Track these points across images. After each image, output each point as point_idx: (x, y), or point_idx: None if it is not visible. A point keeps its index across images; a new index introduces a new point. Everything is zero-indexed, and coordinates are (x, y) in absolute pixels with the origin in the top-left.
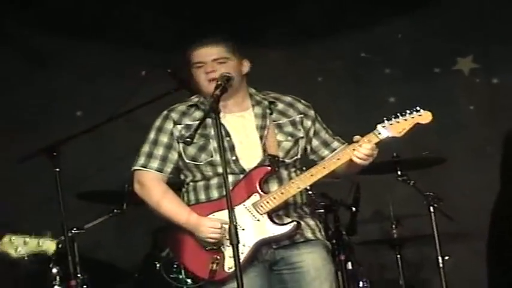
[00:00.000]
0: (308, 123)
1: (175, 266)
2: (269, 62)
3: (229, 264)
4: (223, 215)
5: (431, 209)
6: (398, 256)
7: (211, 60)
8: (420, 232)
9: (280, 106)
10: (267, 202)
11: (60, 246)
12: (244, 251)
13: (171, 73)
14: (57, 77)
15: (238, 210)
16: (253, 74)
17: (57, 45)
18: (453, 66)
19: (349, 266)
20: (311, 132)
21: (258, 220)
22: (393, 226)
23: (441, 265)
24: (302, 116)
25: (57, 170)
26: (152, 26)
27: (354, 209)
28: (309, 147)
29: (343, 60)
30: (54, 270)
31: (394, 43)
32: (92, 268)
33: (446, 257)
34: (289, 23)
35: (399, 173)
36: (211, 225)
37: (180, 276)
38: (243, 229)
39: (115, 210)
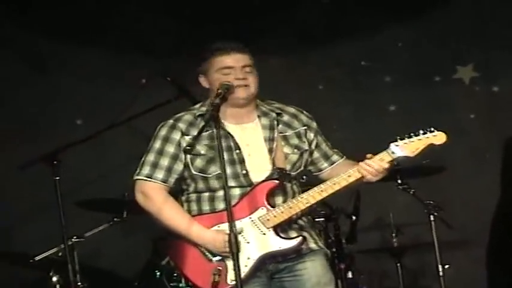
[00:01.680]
0: (311, 135)
1: (175, 274)
2: (269, 69)
3: (231, 276)
4: (228, 227)
5: (432, 217)
6: (399, 264)
7: (241, 66)
8: (420, 240)
9: (285, 117)
10: (274, 216)
11: (60, 254)
12: (248, 264)
13: (171, 81)
14: (57, 83)
15: (244, 223)
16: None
17: (58, 49)
18: (453, 75)
19: (350, 274)
20: (313, 145)
21: (264, 234)
22: (393, 234)
23: (441, 273)
24: (306, 128)
25: (57, 178)
26: (153, 30)
27: (354, 217)
28: (309, 159)
29: (343, 68)
30: (55, 279)
31: (394, 51)
32: (92, 276)
33: (447, 266)
34: (289, 31)
35: (399, 181)
36: (228, 238)
37: (181, 285)
38: (248, 242)
39: (115, 219)
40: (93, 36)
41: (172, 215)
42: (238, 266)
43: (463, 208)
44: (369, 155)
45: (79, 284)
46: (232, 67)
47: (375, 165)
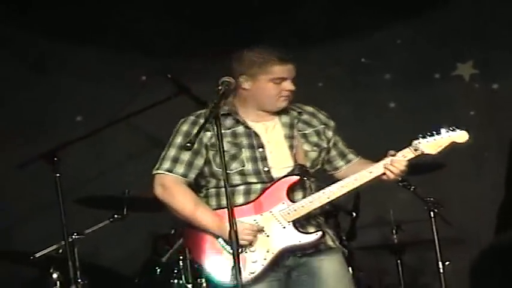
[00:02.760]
0: (329, 133)
1: (175, 271)
2: None
3: (250, 269)
4: (248, 221)
5: (432, 214)
6: (399, 261)
7: (292, 78)
8: (420, 237)
9: (304, 116)
10: (295, 210)
11: (60, 251)
12: (267, 257)
13: (171, 78)
14: (57, 82)
15: (265, 216)
16: None
17: (57, 49)
18: (453, 72)
19: (350, 271)
20: (331, 143)
21: (284, 227)
22: (393, 231)
23: (441, 270)
24: (324, 126)
25: (58, 175)
26: (153, 30)
27: (354, 214)
28: (326, 157)
29: (343, 66)
30: (55, 276)
31: (394, 48)
32: (92, 273)
33: (447, 263)
34: (288, 28)
35: (399, 178)
36: (245, 227)
37: (181, 282)
38: (268, 235)
39: (115, 216)
40: (93, 36)
41: (192, 206)
42: (239, 262)
43: (462, 205)
44: (392, 152)
45: (79, 280)
46: (284, 78)
47: (398, 164)
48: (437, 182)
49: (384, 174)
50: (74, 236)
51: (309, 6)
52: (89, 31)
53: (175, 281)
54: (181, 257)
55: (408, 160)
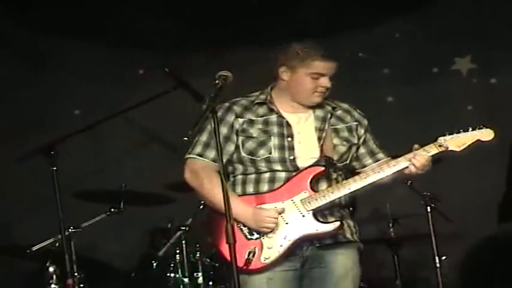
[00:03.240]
0: (361, 131)
1: (172, 265)
2: (267, 62)
3: (265, 255)
4: (269, 208)
5: (429, 208)
6: (396, 256)
7: (329, 75)
8: (417, 232)
9: (338, 112)
10: (316, 200)
11: (57, 245)
12: (284, 244)
13: (169, 72)
14: (56, 77)
15: (286, 204)
16: (252, 75)
17: (56, 45)
18: (451, 66)
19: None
20: (361, 140)
21: (303, 216)
22: (390, 225)
23: (438, 265)
24: (357, 123)
25: (55, 168)
26: (153, 30)
27: (351, 208)
28: (355, 154)
29: (341, 61)
30: (51, 269)
31: (392, 43)
32: (88, 267)
33: (443, 257)
34: (287, 24)
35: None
36: (268, 214)
37: (177, 276)
38: (287, 223)
39: (112, 209)
40: (92, 36)
41: (216, 190)
42: (235, 258)
43: (460, 200)
44: (416, 146)
45: (76, 274)
46: (324, 75)
47: (421, 158)
48: (436, 176)
49: (407, 167)
50: (70, 230)
51: (308, 5)
52: (88, 27)
53: (172, 275)
54: (178, 251)
55: (432, 155)
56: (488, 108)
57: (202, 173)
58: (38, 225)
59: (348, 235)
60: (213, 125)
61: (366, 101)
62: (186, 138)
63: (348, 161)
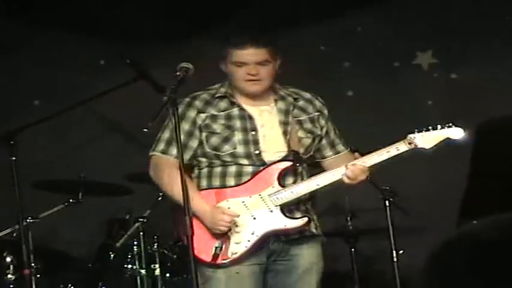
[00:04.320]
0: (322, 122)
1: (129, 256)
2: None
3: (233, 249)
4: (236, 202)
5: (387, 203)
6: (353, 249)
7: (254, 62)
8: (375, 225)
9: (301, 102)
10: (283, 195)
11: (14, 235)
12: (251, 239)
13: (130, 63)
14: (16, 65)
15: (254, 199)
16: (213, 69)
17: (16, 32)
18: (413, 61)
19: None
20: (323, 131)
21: (271, 211)
22: (348, 219)
23: (395, 259)
24: (319, 114)
25: (14, 158)
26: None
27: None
28: (317, 146)
29: (302, 53)
30: (8, 259)
31: (354, 37)
32: (46, 257)
33: (401, 251)
34: (249, 16)
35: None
36: (223, 218)
37: (134, 267)
38: (254, 218)
39: (71, 200)
40: (55, 21)
41: (176, 185)
42: (193, 247)
43: (418, 194)
44: (356, 154)
45: (33, 264)
46: (245, 62)
47: (357, 168)
48: (394, 170)
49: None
50: (28, 220)
51: None
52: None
53: (129, 266)
54: (135, 242)
55: (398, 154)
56: (448, 103)
57: (164, 169)
58: None
59: (313, 229)
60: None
61: (327, 95)
62: (146, 130)
63: (311, 153)
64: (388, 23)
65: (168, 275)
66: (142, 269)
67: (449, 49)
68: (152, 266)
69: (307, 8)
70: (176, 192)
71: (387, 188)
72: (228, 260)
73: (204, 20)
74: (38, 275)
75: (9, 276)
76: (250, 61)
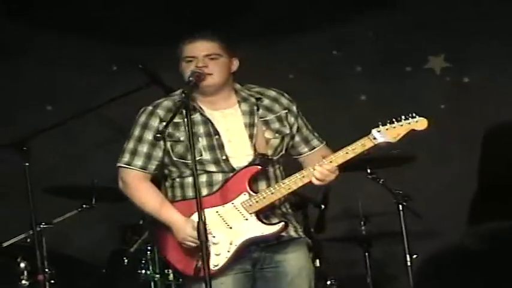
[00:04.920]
0: (292, 119)
1: (143, 261)
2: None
3: (214, 262)
4: (211, 212)
5: (400, 207)
6: (367, 254)
7: (203, 55)
8: (389, 230)
9: (265, 102)
10: (256, 202)
11: (28, 240)
12: (231, 250)
13: (142, 68)
14: (28, 71)
15: (227, 208)
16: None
17: (27, 37)
18: (424, 65)
19: (317, 263)
20: (294, 129)
21: (246, 219)
22: (362, 223)
23: (409, 263)
24: (286, 111)
25: (27, 164)
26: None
27: (322, 206)
28: (291, 143)
29: (314, 58)
30: (22, 265)
31: (365, 41)
32: (59, 263)
33: (414, 256)
34: (258, 20)
35: (369, 171)
36: (191, 234)
37: (148, 272)
38: (230, 227)
39: (84, 205)
40: (65, 25)
41: (146, 200)
42: (208, 255)
43: (432, 198)
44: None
45: (47, 270)
46: (193, 56)
47: (324, 168)
48: (408, 174)
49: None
50: (42, 226)
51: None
52: (61, 19)
53: (143, 271)
54: (149, 248)
55: (363, 151)
56: (460, 107)
57: (132, 183)
58: (9, 221)
59: (292, 233)
60: (138, 131)
61: (338, 99)
62: (158, 135)
63: (283, 152)
64: (400, 27)
65: (181, 280)
66: (156, 274)
67: (462, 53)
68: (166, 271)
69: (318, 12)
70: (149, 207)
71: (400, 192)
72: (211, 273)
73: (204, 20)
74: (52, 281)
75: (23, 282)
76: (199, 54)
